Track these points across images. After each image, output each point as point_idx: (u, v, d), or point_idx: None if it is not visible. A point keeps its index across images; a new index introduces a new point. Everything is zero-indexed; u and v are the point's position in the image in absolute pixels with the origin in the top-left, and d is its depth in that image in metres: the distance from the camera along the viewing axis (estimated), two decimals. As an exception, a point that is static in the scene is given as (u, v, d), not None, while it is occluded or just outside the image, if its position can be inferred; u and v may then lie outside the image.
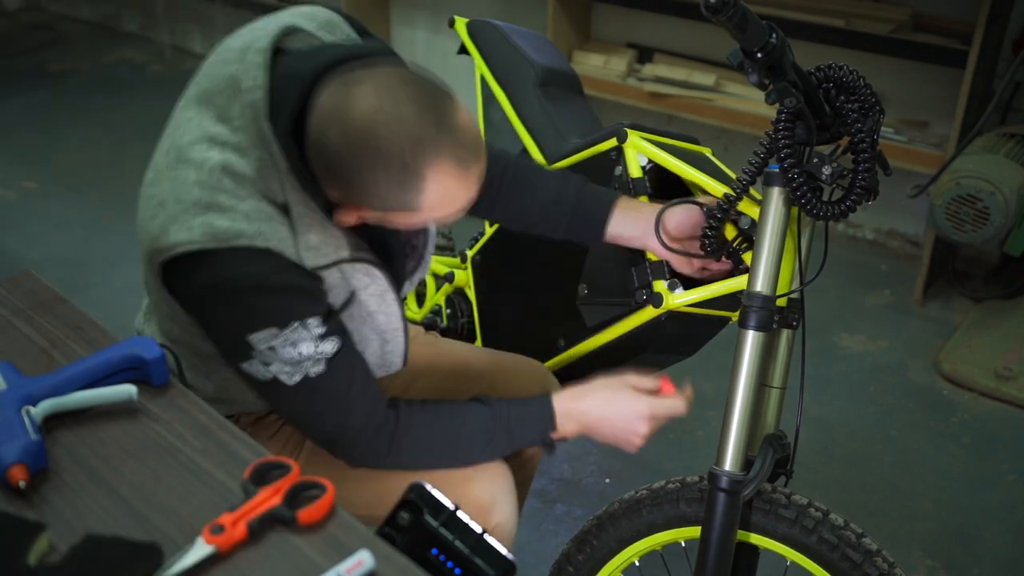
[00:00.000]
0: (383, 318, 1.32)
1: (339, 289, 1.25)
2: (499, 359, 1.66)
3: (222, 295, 1.16)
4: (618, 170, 1.59)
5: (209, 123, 1.19)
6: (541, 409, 1.36)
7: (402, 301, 1.38)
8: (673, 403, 1.40)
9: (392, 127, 1.08)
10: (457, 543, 1.00)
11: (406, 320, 1.38)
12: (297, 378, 1.20)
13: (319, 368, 1.20)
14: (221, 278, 1.14)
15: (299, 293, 1.18)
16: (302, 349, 1.18)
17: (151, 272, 1.20)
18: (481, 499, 1.37)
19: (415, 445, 1.30)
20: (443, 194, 1.13)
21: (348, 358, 1.24)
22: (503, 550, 0.99)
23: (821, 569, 1.36)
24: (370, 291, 1.29)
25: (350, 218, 1.20)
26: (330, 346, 1.21)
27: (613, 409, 1.36)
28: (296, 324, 1.17)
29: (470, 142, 1.14)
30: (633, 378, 1.40)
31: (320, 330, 1.19)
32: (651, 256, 1.52)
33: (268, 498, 0.94)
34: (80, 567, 0.86)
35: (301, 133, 1.15)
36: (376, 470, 1.32)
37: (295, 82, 1.15)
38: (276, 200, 1.17)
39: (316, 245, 1.20)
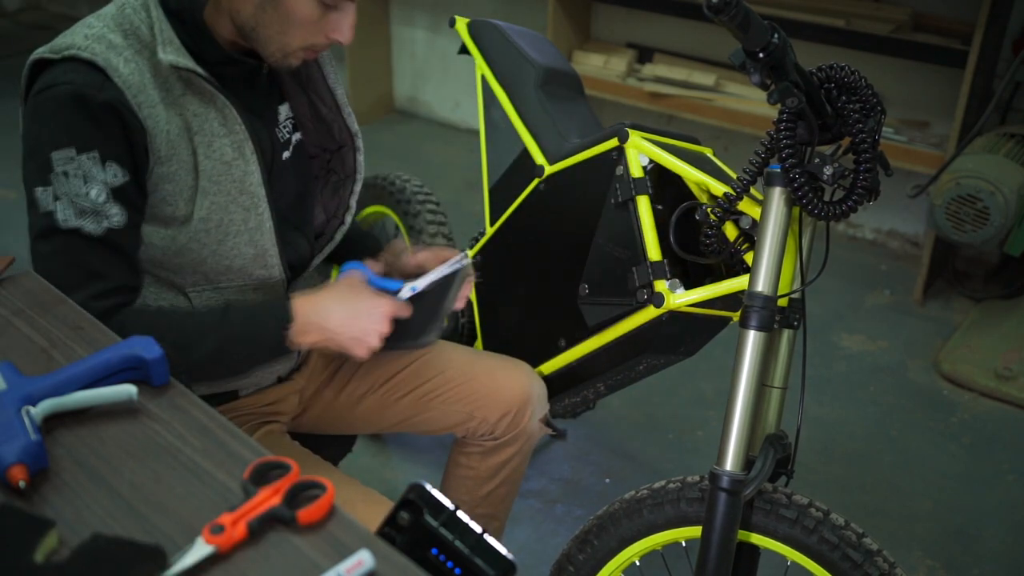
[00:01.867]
0: (240, 173, 1.31)
1: (175, 130, 1.26)
2: (481, 358, 1.67)
3: (42, 102, 1.21)
4: (619, 170, 1.59)
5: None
6: (276, 306, 1.33)
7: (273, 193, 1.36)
8: (400, 305, 1.36)
9: None
10: (457, 543, 1.00)
11: (274, 206, 1.36)
12: (70, 223, 1.22)
13: (92, 227, 1.22)
14: (44, 83, 1.21)
15: (112, 120, 1.20)
16: (91, 190, 1.21)
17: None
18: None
19: (140, 323, 1.27)
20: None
21: (128, 237, 1.26)
22: (503, 550, 0.99)
23: (822, 569, 1.36)
24: (223, 136, 1.29)
25: (221, 17, 1.26)
26: (116, 211, 1.23)
27: (355, 307, 1.33)
28: (95, 155, 1.20)
29: None
30: (359, 276, 1.39)
31: (116, 179, 1.21)
32: (652, 256, 1.52)
33: (268, 498, 0.94)
34: (85, 567, 0.86)
35: None
36: None
37: None
38: (138, 31, 1.24)
39: (178, 48, 1.24)
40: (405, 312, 1.36)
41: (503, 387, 1.64)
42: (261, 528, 0.93)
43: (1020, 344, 2.78)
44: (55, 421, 1.06)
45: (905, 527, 2.22)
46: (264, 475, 0.98)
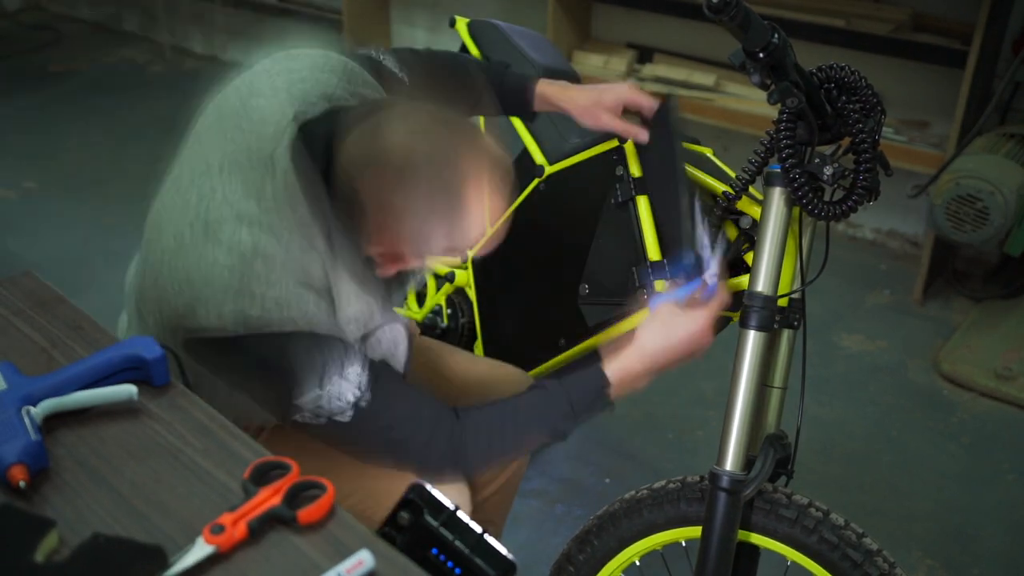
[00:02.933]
0: (390, 348, 1.32)
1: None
2: (476, 364, 1.65)
3: (259, 373, 1.19)
4: (619, 170, 1.59)
5: (238, 197, 1.16)
6: (593, 379, 1.32)
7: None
8: (718, 298, 1.34)
9: (427, 153, 1.09)
10: (457, 543, 1.00)
11: (410, 337, 1.37)
12: (350, 413, 1.20)
13: (368, 395, 1.21)
14: (256, 360, 1.17)
15: (332, 353, 1.19)
16: (347, 396, 1.19)
17: (166, 333, 1.20)
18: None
19: (479, 443, 1.29)
20: (481, 208, 1.14)
21: (391, 381, 1.25)
22: (503, 550, 0.99)
23: (822, 569, 1.36)
24: (388, 340, 1.30)
25: (390, 270, 1.21)
26: (372, 375, 1.22)
27: (672, 338, 1.31)
28: (335, 378, 1.18)
29: (502, 157, 1.16)
30: (668, 303, 1.35)
31: (359, 376, 1.20)
32: (652, 256, 1.52)
33: (268, 498, 0.94)
34: (85, 567, 0.86)
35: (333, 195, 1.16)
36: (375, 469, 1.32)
37: (316, 144, 1.16)
38: (313, 281, 1.17)
39: (355, 317, 1.21)
40: (722, 301, 1.34)
41: (499, 395, 1.61)
42: (261, 528, 0.93)
43: (1020, 344, 2.78)
44: (55, 421, 1.06)
45: (905, 527, 2.22)
46: (264, 475, 0.98)
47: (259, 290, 1.13)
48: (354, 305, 1.22)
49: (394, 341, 1.30)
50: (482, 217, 1.15)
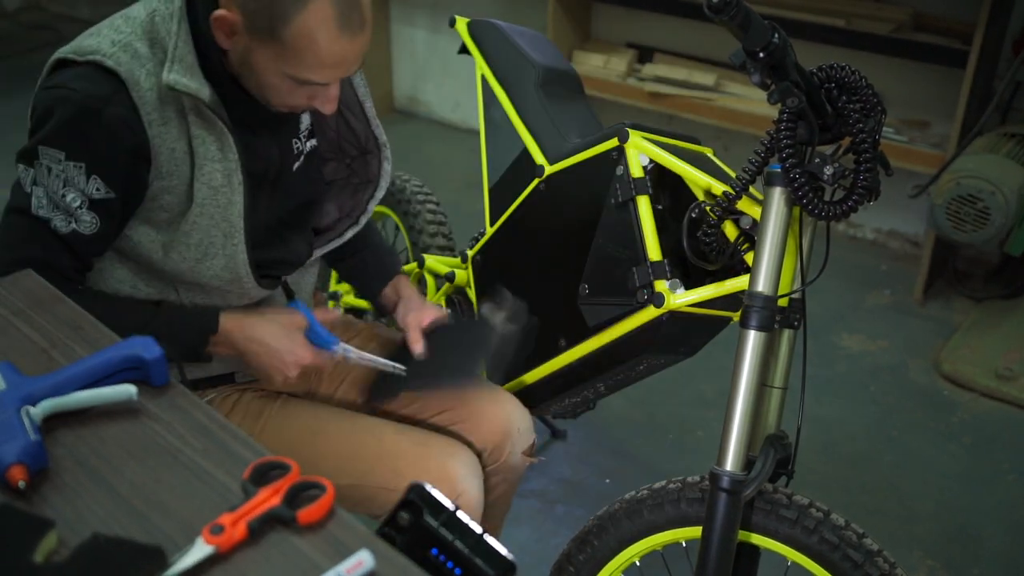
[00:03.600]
0: (225, 201, 1.32)
1: (182, 149, 1.27)
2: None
3: (51, 99, 1.23)
4: (619, 170, 1.59)
5: None
6: (206, 316, 1.37)
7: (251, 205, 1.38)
8: (323, 360, 1.43)
9: None
10: (457, 543, 1.00)
11: (249, 223, 1.37)
12: (40, 212, 1.24)
13: (60, 223, 1.24)
14: (60, 82, 1.22)
15: (111, 138, 1.21)
16: (67, 195, 1.23)
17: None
18: (449, 472, 1.43)
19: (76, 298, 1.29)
20: (311, 36, 1.17)
21: (89, 244, 1.28)
22: (503, 550, 0.99)
23: (822, 569, 1.35)
24: (216, 162, 1.30)
25: (223, 28, 1.22)
26: (89, 219, 1.25)
27: (279, 344, 1.38)
28: (81, 166, 1.21)
29: (357, 8, 1.20)
30: (299, 320, 1.42)
31: (98, 194, 1.23)
32: (653, 256, 1.52)
33: (268, 498, 0.94)
34: (85, 567, 0.86)
35: None
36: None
37: None
38: (164, 43, 1.23)
39: (190, 67, 1.23)
40: (322, 367, 1.44)
41: (487, 417, 1.60)
42: (261, 528, 0.93)
43: (1020, 344, 2.78)
44: (55, 421, 1.06)
45: (905, 527, 2.22)
46: (264, 475, 0.98)
47: (104, 31, 1.25)
48: (190, 80, 1.23)
49: (220, 151, 1.30)
50: (312, 38, 1.18)
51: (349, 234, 1.58)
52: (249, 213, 1.35)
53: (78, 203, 1.24)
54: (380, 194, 1.58)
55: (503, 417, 1.61)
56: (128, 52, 1.22)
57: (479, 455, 1.59)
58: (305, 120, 1.47)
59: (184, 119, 1.26)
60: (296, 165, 1.46)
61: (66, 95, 1.21)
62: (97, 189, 1.23)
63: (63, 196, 1.23)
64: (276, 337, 1.38)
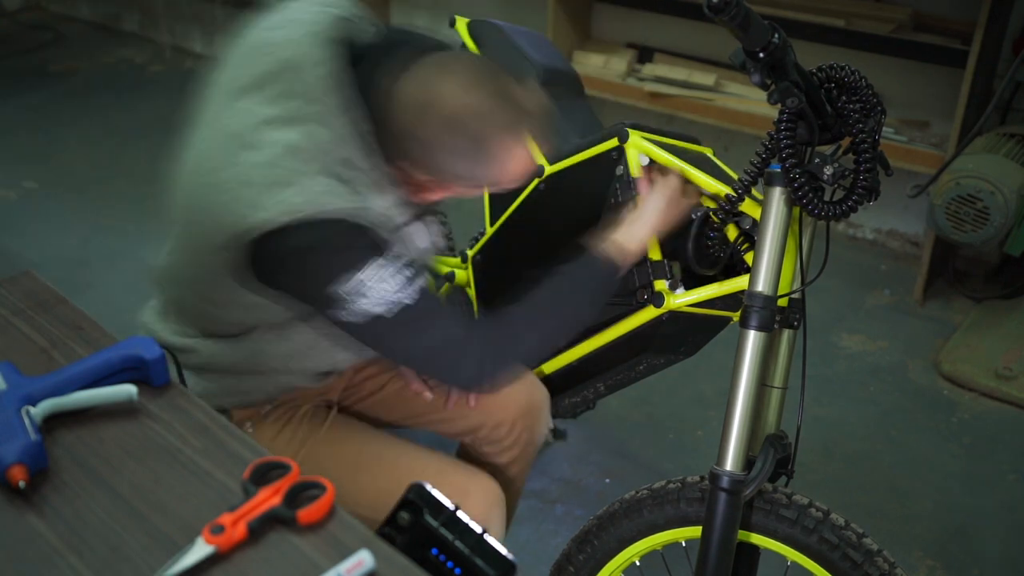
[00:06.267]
0: (421, 243, 1.38)
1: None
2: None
3: (302, 260, 1.23)
4: (619, 170, 1.59)
5: (263, 108, 1.24)
6: (597, 258, 1.42)
7: None
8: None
9: (480, 117, 1.21)
10: (457, 543, 1.00)
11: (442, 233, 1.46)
12: (396, 308, 1.24)
13: (412, 293, 1.25)
14: (300, 245, 1.21)
15: (371, 241, 1.24)
16: (389, 283, 1.24)
17: (219, 259, 1.24)
18: (474, 514, 1.38)
19: (515, 334, 1.35)
20: (513, 166, 1.26)
21: (425, 283, 1.30)
22: (503, 550, 0.99)
23: (822, 569, 1.36)
24: (419, 235, 1.37)
25: (434, 196, 1.32)
26: (412, 273, 1.27)
27: (660, 208, 1.46)
28: (377, 261, 1.23)
29: (538, 107, 1.27)
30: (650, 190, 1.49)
31: (399, 268, 1.25)
32: (652, 256, 1.52)
33: (268, 498, 0.94)
34: None
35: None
36: (381, 461, 1.41)
37: (382, 66, 1.25)
38: (339, 173, 1.23)
39: (384, 208, 1.27)
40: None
41: (512, 396, 1.63)
42: (261, 528, 0.93)
43: (1020, 344, 2.78)
44: (55, 421, 1.06)
45: (905, 527, 2.22)
46: (264, 475, 0.98)
47: (295, 179, 1.19)
48: (381, 199, 1.27)
49: (425, 236, 1.37)
50: (511, 163, 1.26)
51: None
52: None
53: (401, 278, 1.26)
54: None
55: (528, 390, 1.65)
56: (332, 196, 1.23)
57: (506, 428, 1.63)
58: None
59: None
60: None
61: (317, 248, 1.24)
62: (404, 266, 1.29)
63: (389, 287, 1.25)
64: (654, 211, 1.46)
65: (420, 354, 1.30)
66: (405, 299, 1.24)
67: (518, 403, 1.64)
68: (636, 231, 1.45)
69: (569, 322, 1.40)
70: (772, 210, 1.32)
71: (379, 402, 1.66)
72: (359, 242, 1.23)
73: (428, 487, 1.04)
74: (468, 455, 1.72)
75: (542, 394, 1.69)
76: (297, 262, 1.23)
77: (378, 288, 1.23)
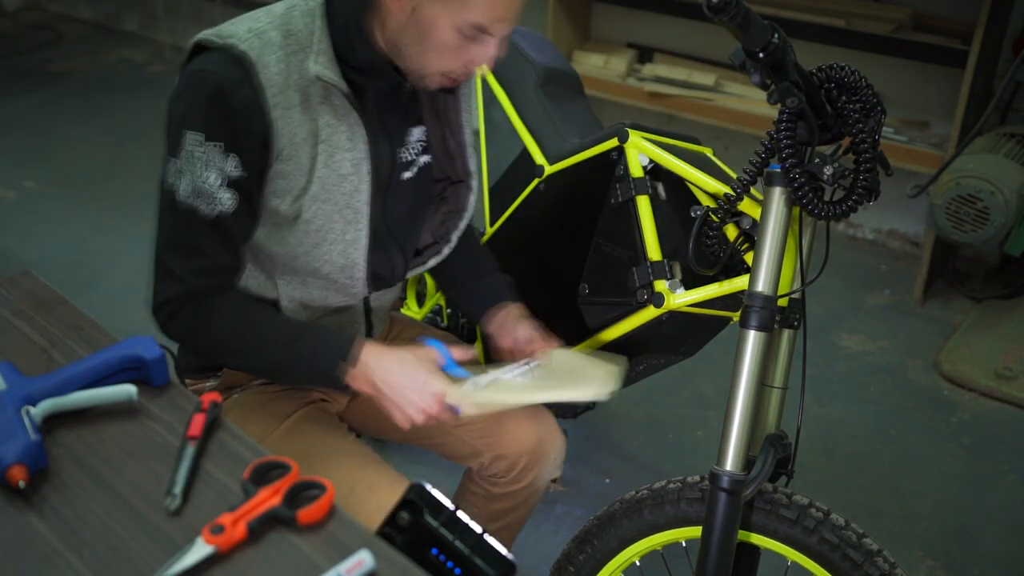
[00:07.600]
0: (351, 188, 1.35)
1: (302, 135, 1.30)
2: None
3: (191, 83, 1.28)
4: (619, 170, 1.59)
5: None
6: (342, 345, 1.34)
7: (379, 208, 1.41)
8: (462, 409, 1.35)
9: None
10: (457, 543, 1.00)
11: (374, 224, 1.40)
12: (186, 200, 1.27)
13: (206, 209, 1.27)
14: (199, 65, 1.28)
15: (243, 118, 1.25)
16: (209, 176, 1.26)
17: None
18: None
19: (218, 324, 1.33)
20: None
21: (235, 224, 1.31)
22: (503, 550, 0.99)
23: (822, 569, 1.36)
24: (346, 151, 1.33)
25: (377, 26, 1.28)
26: (228, 197, 1.27)
27: (413, 379, 1.33)
28: (220, 145, 1.25)
29: None
30: (437, 357, 1.38)
31: (235, 172, 1.26)
32: (652, 256, 1.52)
33: (268, 498, 0.94)
34: None
35: None
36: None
37: None
38: (299, 34, 1.28)
39: (330, 60, 1.29)
40: (461, 408, 1.35)
41: (523, 434, 1.59)
42: (261, 528, 0.93)
43: (1020, 344, 2.78)
44: (55, 421, 1.06)
45: (905, 527, 2.22)
46: (264, 475, 0.98)
47: (243, 20, 1.31)
48: (318, 65, 1.28)
49: (350, 141, 1.33)
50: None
51: (432, 262, 1.57)
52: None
53: (219, 182, 1.27)
54: (464, 225, 1.56)
55: (544, 434, 1.61)
56: (262, 39, 1.27)
57: (511, 465, 1.60)
58: (416, 133, 1.47)
59: (309, 108, 1.30)
60: (407, 175, 1.46)
61: (203, 78, 1.26)
62: (234, 167, 1.27)
63: (206, 178, 1.27)
64: (410, 369, 1.33)
65: (160, 248, 1.32)
66: (199, 207, 1.27)
67: (527, 440, 1.59)
68: (385, 373, 1.33)
69: (261, 367, 1.39)
70: (772, 210, 1.32)
71: (379, 418, 1.64)
72: (239, 105, 1.25)
73: (428, 487, 1.04)
74: (468, 491, 1.70)
75: (557, 440, 1.63)
76: (188, 79, 1.28)
77: (198, 168, 1.26)
